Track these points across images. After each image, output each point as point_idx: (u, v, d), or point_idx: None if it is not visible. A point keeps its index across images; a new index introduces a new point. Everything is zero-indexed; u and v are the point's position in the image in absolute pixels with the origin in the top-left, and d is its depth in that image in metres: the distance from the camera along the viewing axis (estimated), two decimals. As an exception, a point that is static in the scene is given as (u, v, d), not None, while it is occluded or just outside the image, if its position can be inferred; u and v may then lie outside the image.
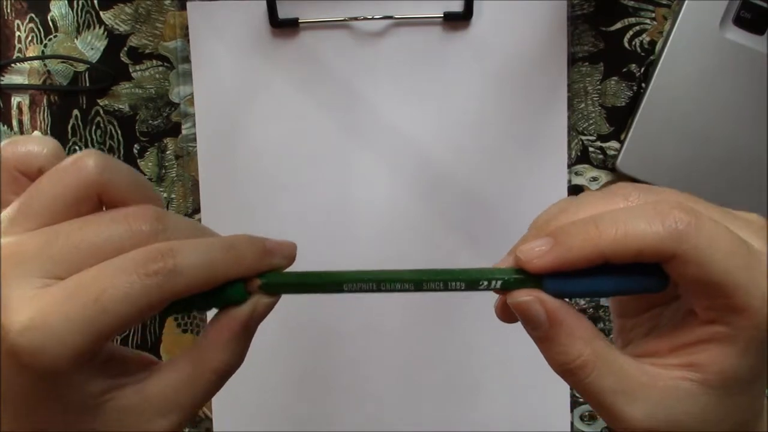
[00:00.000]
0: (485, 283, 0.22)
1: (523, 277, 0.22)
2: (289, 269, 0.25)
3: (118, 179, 0.22)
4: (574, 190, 0.44)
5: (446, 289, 0.23)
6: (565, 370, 0.22)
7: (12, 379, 0.20)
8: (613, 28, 0.43)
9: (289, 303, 0.45)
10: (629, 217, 0.21)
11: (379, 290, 0.23)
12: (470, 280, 0.23)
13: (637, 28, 0.43)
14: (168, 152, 0.46)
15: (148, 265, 0.20)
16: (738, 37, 0.40)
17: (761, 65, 0.40)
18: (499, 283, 0.22)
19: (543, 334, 0.22)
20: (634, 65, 0.43)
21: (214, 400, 0.46)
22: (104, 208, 0.22)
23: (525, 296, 0.22)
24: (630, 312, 0.26)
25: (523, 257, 0.22)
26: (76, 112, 0.46)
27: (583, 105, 0.43)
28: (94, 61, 0.45)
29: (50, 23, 0.45)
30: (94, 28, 0.45)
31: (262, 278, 0.23)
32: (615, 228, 0.21)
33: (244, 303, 0.23)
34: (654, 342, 0.23)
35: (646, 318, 0.26)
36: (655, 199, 0.22)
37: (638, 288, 0.22)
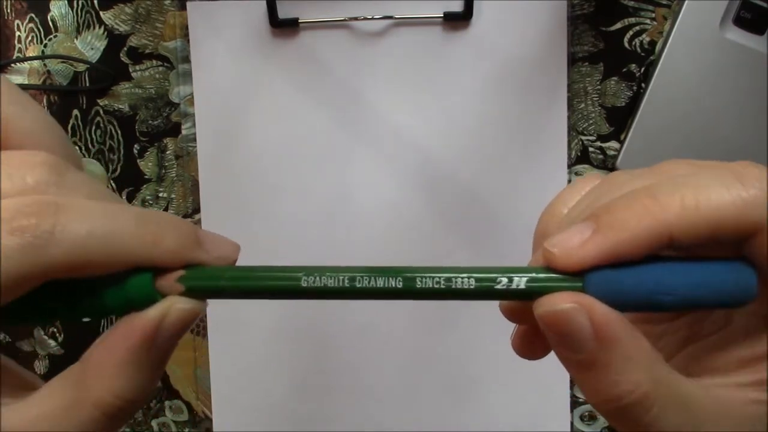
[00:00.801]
0: (504, 281, 0.17)
1: (557, 275, 0.17)
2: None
3: (23, 116, 0.17)
4: (574, 190, 0.44)
5: (448, 291, 0.17)
6: (617, 406, 0.16)
7: None
8: (613, 28, 0.43)
9: (287, 302, 0.45)
10: (698, 182, 0.16)
11: (354, 292, 0.17)
12: (483, 278, 0.17)
13: (637, 28, 0.43)
14: (168, 152, 0.46)
15: (18, 219, 0.14)
16: (738, 37, 0.40)
17: (761, 65, 0.40)
18: (524, 281, 0.17)
19: (586, 358, 0.16)
20: (634, 65, 0.43)
21: (214, 400, 0.46)
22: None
23: (564, 303, 0.16)
24: (659, 315, 0.21)
25: (557, 250, 0.16)
26: (76, 112, 0.46)
27: (583, 105, 0.43)
28: (94, 61, 0.45)
29: (50, 23, 0.45)
30: (94, 28, 0.45)
31: (187, 269, 0.17)
32: (680, 196, 0.15)
33: (153, 306, 0.16)
34: (715, 355, 0.18)
35: (680, 324, 0.20)
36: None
37: (723, 287, 0.16)
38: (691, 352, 0.19)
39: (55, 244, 0.15)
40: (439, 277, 0.17)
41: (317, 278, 0.17)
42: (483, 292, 0.17)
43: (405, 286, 0.17)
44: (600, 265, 0.16)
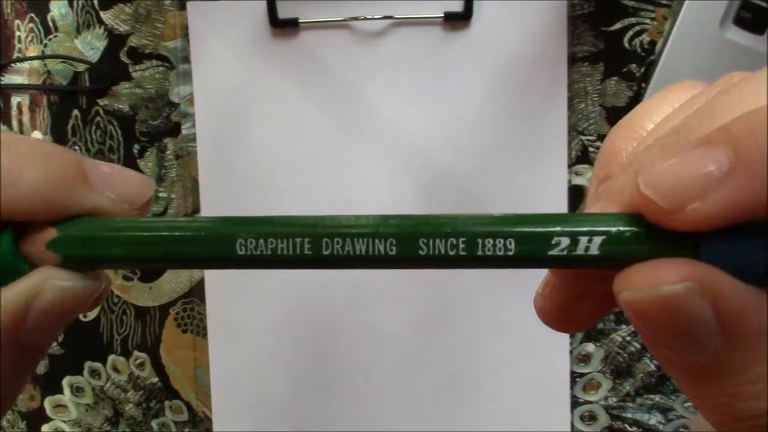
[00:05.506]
0: (563, 243, 0.11)
1: (654, 235, 0.11)
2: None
3: None
4: (574, 190, 0.44)
5: (471, 259, 0.11)
6: (750, 426, 0.11)
7: None
8: (613, 28, 0.43)
9: (286, 299, 0.45)
10: None
11: (321, 261, 0.12)
12: (530, 237, 0.11)
13: (637, 28, 0.43)
14: (168, 152, 0.46)
15: None
16: (738, 37, 0.40)
17: (761, 65, 0.40)
18: (597, 244, 0.11)
19: (707, 361, 0.11)
20: (634, 65, 0.43)
21: (214, 400, 0.46)
22: None
23: (673, 280, 0.10)
24: None
25: (662, 196, 0.10)
26: (76, 112, 0.46)
27: (583, 105, 0.43)
28: (94, 61, 0.45)
29: (50, 23, 0.45)
30: (94, 28, 0.45)
31: (60, 229, 0.11)
32: None
33: (15, 281, 0.11)
34: None
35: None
36: None
37: None
38: None
39: None
40: (456, 239, 0.11)
41: (261, 243, 0.12)
42: (527, 260, 0.11)
43: (399, 251, 0.12)
44: (745, 219, 0.10)
